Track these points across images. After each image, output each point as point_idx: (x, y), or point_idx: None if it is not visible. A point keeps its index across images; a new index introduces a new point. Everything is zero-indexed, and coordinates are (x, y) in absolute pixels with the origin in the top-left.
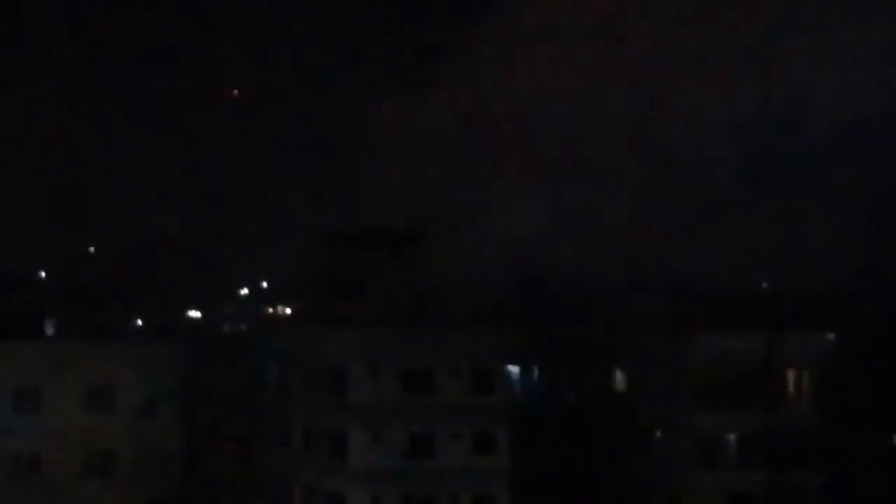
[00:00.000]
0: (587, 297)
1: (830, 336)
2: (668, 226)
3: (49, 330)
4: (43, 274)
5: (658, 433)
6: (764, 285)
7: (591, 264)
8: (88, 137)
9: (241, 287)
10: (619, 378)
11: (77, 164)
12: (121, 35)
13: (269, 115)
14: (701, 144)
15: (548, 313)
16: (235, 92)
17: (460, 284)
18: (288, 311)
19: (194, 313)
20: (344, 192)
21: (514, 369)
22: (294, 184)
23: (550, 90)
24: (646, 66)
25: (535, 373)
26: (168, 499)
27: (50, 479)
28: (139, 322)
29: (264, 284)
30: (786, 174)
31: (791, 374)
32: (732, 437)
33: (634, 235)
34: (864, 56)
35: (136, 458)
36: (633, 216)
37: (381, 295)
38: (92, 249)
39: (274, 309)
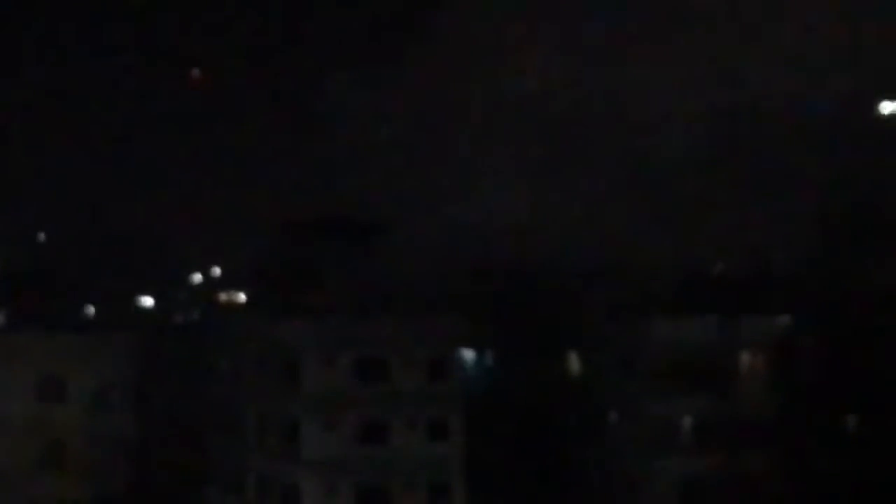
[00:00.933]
0: (542, 283)
1: (785, 319)
2: (623, 212)
3: None
4: None
5: (613, 418)
6: (718, 269)
7: (546, 251)
8: (35, 120)
9: (194, 273)
10: (574, 363)
11: (23, 148)
12: (67, 13)
13: (224, 95)
14: (655, 130)
15: (502, 300)
16: (196, 72)
17: (415, 273)
18: (242, 297)
19: (146, 301)
20: (301, 178)
21: (468, 356)
22: (250, 168)
23: (514, 72)
24: (613, 49)
25: (490, 360)
26: (121, 489)
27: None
28: (90, 310)
29: (217, 271)
30: (741, 160)
31: (746, 358)
32: (688, 421)
33: (591, 222)
34: (817, 46)
35: (88, 449)
36: (590, 203)
37: (337, 283)
38: (42, 237)
39: (228, 296)
